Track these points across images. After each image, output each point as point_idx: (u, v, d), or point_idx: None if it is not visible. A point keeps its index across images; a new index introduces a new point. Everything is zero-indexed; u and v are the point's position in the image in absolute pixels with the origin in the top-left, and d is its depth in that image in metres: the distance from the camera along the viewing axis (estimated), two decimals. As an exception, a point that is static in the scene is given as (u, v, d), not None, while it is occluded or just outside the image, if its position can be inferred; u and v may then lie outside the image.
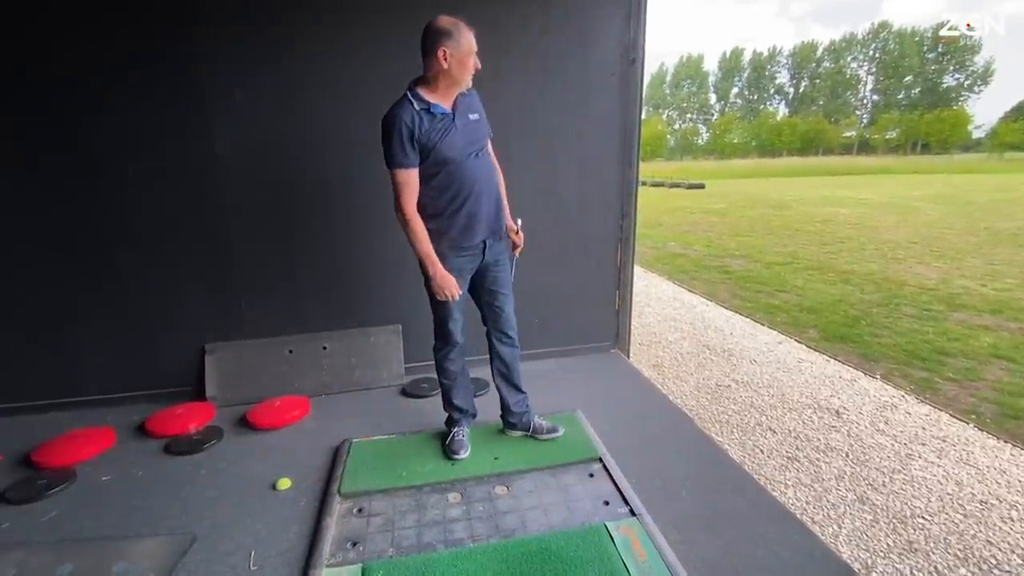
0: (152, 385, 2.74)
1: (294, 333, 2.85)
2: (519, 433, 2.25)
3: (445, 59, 1.68)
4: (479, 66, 1.78)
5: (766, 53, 73.98)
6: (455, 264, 1.91)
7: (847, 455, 2.55)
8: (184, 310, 2.72)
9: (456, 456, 2.10)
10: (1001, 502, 2.17)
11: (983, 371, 3.53)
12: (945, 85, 62.39)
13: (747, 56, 75.61)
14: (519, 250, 2.15)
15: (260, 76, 2.51)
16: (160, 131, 2.50)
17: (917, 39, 63.29)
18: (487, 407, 2.36)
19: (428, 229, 1.84)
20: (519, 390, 2.22)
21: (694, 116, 79.79)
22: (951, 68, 62.12)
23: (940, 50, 60.96)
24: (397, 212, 1.81)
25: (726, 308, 5.16)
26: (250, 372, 2.77)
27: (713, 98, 79.15)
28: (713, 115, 78.16)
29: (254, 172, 2.63)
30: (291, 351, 2.83)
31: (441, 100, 1.77)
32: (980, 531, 2.00)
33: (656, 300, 5.44)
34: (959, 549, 1.92)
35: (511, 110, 2.72)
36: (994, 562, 1.85)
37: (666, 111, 79.72)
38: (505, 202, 2.03)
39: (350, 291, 2.88)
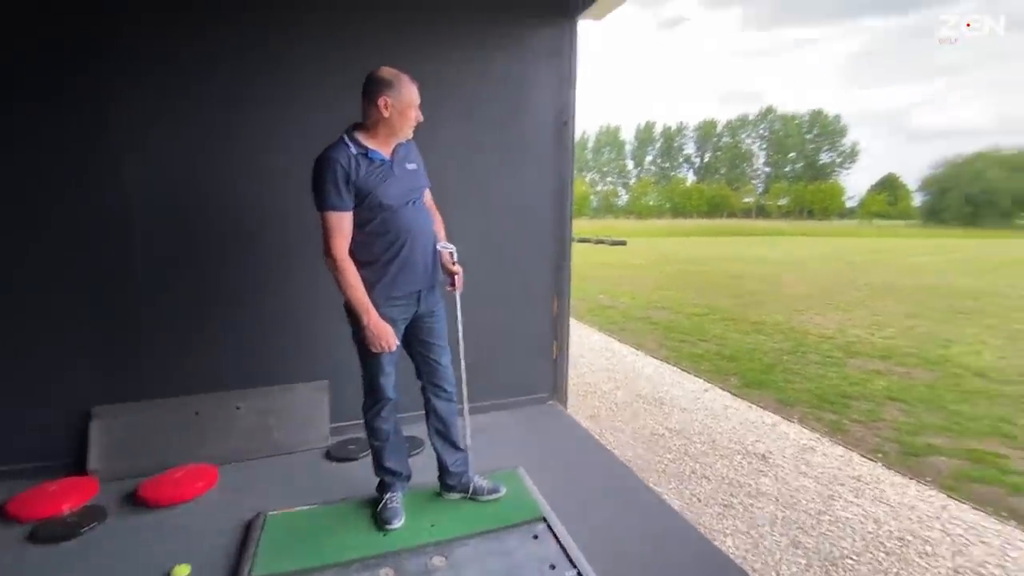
0: (18, 459, 2.30)
1: (203, 391, 2.54)
2: (458, 495, 2.11)
3: (386, 108, 1.69)
4: (420, 118, 1.80)
5: (674, 127, 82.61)
6: (387, 315, 1.81)
7: (777, 499, 2.63)
8: (66, 369, 2.35)
9: (389, 526, 1.91)
10: (915, 538, 2.31)
11: (882, 412, 3.86)
12: (822, 161, 72.67)
13: (658, 128, 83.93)
14: (458, 286, 1.99)
15: (176, 112, 2.35)
16: (58, 170, 2.24)
17: (797, 122, 73.76)
18: (422, 469, 2.20)
19: (359, 277, 1.76)
20: (457, 448, 2.10)
21: (614, 179, 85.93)
22: (825, 147, 72.77)
23: (815, 132, 71.53)
24: (327, 256, 1.71)
25: (654, 357, 5.34)
26: (146, 439, 2.41)
27: (630, 164, 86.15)
28: (631, 179, 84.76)
29: (165, 215, 2.41)
30: (198, 412, 2.51)
31: (379, 147, 1.75)
32: (902, 568, 2.10)
33: (589, 350, 5.53)
34: (886, 588, 1.99)
35: (449, 161, 2.74)
36: (917, 598, 1.93)
37: (589, 174, 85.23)
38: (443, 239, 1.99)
39: (270, 344, 2.65)
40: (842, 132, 71.53)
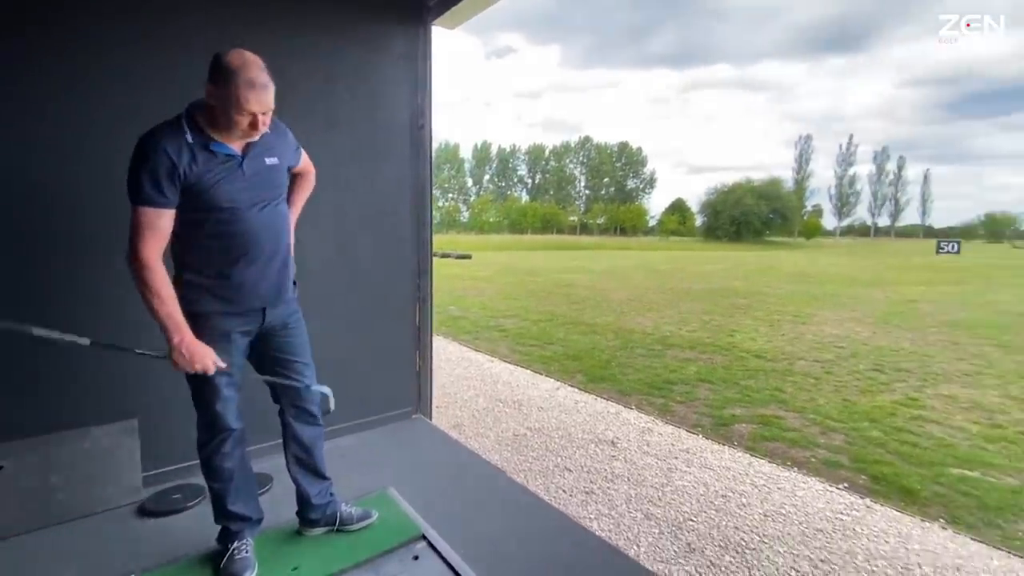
0: None
1: (-64, 454, 1.84)
2: (322, 529, 1.87)
3: (210, 97, 1.40)
4: (263, 127, 1.44)
5: (508, 149, 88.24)
6: (221, 325, 1.53)
7: (628, 479, 2.89)
8: None
9: (239, 580, 1.60)
10: (734, 493, 2.75)
11: (696, 392, 4.55)
12: (629, 186, 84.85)
13: (494, 150, 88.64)
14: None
15: None
16: None
17: (609, 152, 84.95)
18: (275, 507, 1.91)
19: (186, 281, 1.47)
20: (322, 477, 1.86)
21: (455, 196, 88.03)
22: (631, 175, 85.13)
23: (623, 161, 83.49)
24: (131, 261, 1.36)
25: (508, 363, 5.52)
26: None
27: (470, 182, 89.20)
28: (471, 196, 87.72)
29: None
30: (-73, 483, 1.81)
31: (227, 140, 1.46)
32: (728, 520, 2.47)
33: (446, 361, 5.47)
34: (720, 540, 2.32)
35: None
36: (743, 543, 2.29)
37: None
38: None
39: (51, 375, 2.03)
40: (643, 162, 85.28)
